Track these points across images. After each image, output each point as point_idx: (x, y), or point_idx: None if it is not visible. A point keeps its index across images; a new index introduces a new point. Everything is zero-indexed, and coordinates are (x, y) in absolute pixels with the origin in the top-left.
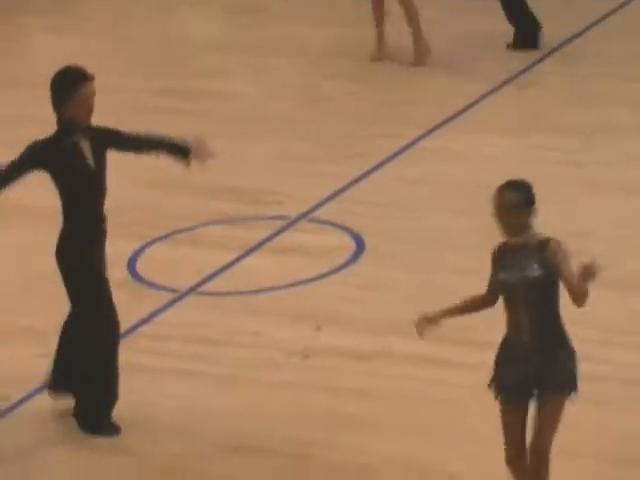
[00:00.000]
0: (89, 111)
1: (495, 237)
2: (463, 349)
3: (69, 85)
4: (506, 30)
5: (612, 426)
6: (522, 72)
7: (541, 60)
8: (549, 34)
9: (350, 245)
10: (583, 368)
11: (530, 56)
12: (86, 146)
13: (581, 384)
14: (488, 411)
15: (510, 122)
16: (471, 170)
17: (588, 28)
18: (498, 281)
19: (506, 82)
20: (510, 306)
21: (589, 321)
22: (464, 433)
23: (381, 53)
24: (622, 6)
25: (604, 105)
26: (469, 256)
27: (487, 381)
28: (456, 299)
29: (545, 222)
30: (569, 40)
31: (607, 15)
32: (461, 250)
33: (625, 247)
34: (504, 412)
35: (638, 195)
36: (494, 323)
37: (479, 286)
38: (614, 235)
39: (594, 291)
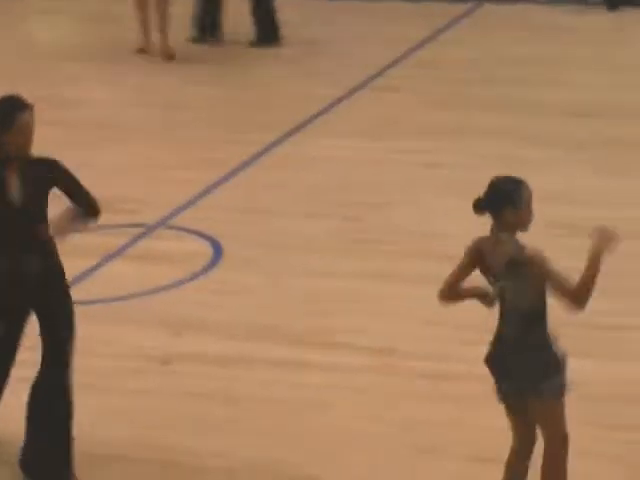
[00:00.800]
0: (27, 141)
1: (349, 239)
2: (322, 351)
3: (7, 114)
4: (363, 33)
5: (470, 423)
6: (376, 76)
7: (395, 64)
8: (402, 39)
9: (208, 251)
10: (442, 367)
11: (384, 60)
12: (13, 179)
13: (441, 381)
14: (351, 413)
15: (365, 126)
16: (326, 174)
17: (439, 32)
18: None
19: (361, 86)
20: None
21: (444, 321)
22: (327, 435)
23: (146, 44)
24: (470, 11)
25: (458, 108)
26: (325, 259)
27: (348, 382)
28: (313, 302)
29: (401, 223)
30: (421, 44)
31: (456, 20)
32: (317, 253)
33: None
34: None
35: None
36: (351, 325)
37: (334, 287)
38: (467, 235)
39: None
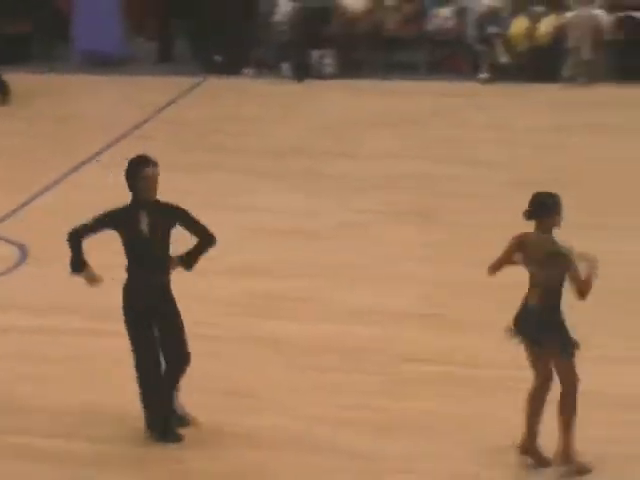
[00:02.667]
0: (148, 190)
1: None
2: (109, 323)
3: (134, 169)
4: (121, 99)
5: (216, 370)
6: (136, 128)
7: (148, 120)
8: (151, 103)
9: (16, 253)
10: (212, 332)
11: (140, 118)
12: (143, 216)
13: (204, 342)
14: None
15: None
16: (108, 196)
17: (179, 98)
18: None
19: (124, 136)
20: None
21: (213, 298)
22: (113, 378)
23: None
24: (200, 83)
25: (199, 151)
26: (107, 256)
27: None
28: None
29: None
30: (166, 106)
31: (191, 89)
32: (103, 252)
33: (230, 247)
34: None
35: (238, 211)
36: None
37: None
38: (225, 240)
39: (215, 278)
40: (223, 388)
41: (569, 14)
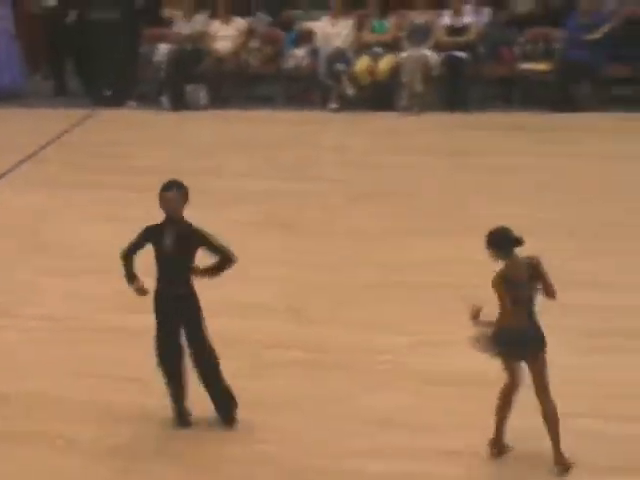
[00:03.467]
0: (169, 209)
1: (37, 254)
2: (17, 320)
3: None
4: (21, 128)
5: (110, 356)
6: (35, 153)
7: (47, 146)
8: (48, 131)
9: None
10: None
11: (38, 144)
12: (171, 233)
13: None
14: (42, 353)
15: (37, 183)
16: (17, 214)
17: (74, 126)
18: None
19: (25, 159)
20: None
21: (87, 297)
22: (28, 363)
23: None
24: (91, 114)
25: (94, 172)
26: (23, 263)
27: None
28: (6, 292)
29: (76, 243)
30: (63, 133)
31: (84, 119)
32: (18, 262)
33: (114, 254)
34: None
35: (121, 222)
36: (34, 303)
37: (23, 280)
38: (110, 248)
39: (88, 277)
40: (110, 372)
41: (403, 54)
